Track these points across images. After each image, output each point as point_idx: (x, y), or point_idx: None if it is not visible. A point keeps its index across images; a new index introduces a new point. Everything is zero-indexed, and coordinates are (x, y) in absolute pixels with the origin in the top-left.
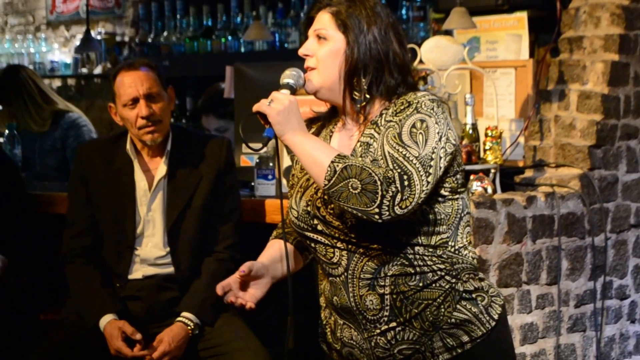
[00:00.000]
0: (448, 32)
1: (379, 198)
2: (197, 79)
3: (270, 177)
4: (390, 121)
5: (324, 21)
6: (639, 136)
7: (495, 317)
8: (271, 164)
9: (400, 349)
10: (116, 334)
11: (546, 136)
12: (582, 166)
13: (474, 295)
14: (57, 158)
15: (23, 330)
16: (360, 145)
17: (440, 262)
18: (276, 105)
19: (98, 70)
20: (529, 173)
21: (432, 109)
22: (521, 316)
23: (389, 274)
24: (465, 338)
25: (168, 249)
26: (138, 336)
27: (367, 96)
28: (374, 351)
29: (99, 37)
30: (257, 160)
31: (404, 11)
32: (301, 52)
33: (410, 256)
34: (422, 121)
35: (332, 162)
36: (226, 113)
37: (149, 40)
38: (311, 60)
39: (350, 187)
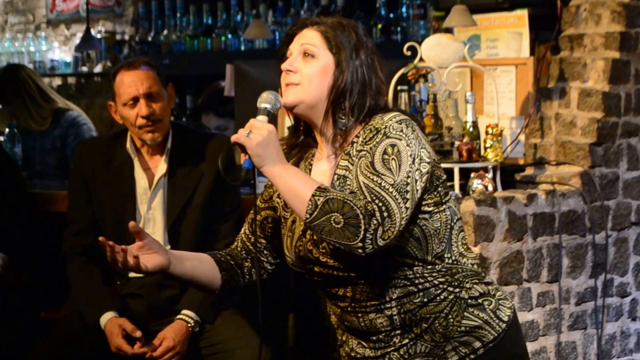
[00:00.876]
0: (448, 30)
1: (362, 232)
2: (198, 77)
3: None
4: (361, 150)
5: (313, 38)
6: (639, 134)
7: (505, 319)
8: None
9: None
10: (116, 332)
11: (547, 134)
12: (583, 164)
13: (480, 301)
14: (57, 156)
15: (24, 328)
16: (338, 179)
17: (440, 275)
18: (255, 137)
19: (98, 68)
20: (529, 171)
21: (401, 130)
22: (522, 314)
23: (393, 297)
24: (478, 344)
25: (169, 246)
26: (138, 334)
27: (351, 118)
28: None
29: (99, 36)
30: None
31: (404, 9)
32: (285, 67)
33: (411, 276)
34: (392, 146)
35: (313, 195)
36: (226, 111)
37: (149, 38)
38: (295, 77)
39: (332, 222)
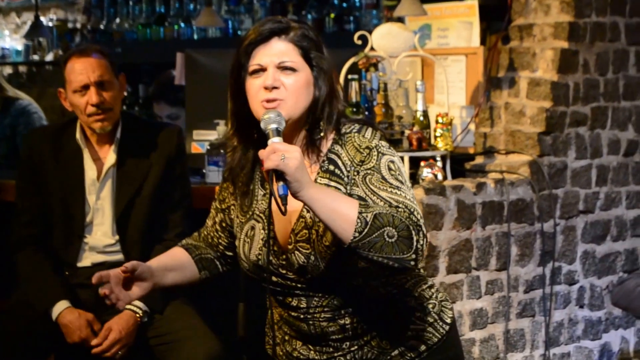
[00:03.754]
0: (399, 19)
1: (415, 243)
2: (150, 66)
3: (221, 163)
4: (361, 170)
5: (290, 51)
6: (587, 123)
7: (448, 321)
8: (222, 151)
9: None
10: (82, 324)
11: (496, 123)
12: (532, 153)
13: (425, 305)
14: (6, 145)
15: None
16: None
17: (391, 287)
18: (291, 162)
19: (50, 57)
20: (479, 160)
21: (389, 148)
22: (471, 302)
23: (347, 309)
24: (423, 347)
25: (117, 237)
26: (97, 326)
27: (328, 127)
28: None
29: (50, 24)
30: (208, 147)
31: None
32: (270, 84)
33: (366, 291)
34: (392, 162)
35: (360, 212)
36: (178, 100)
37: (101, 27)
38: (281, 92)
39: (386, 236)
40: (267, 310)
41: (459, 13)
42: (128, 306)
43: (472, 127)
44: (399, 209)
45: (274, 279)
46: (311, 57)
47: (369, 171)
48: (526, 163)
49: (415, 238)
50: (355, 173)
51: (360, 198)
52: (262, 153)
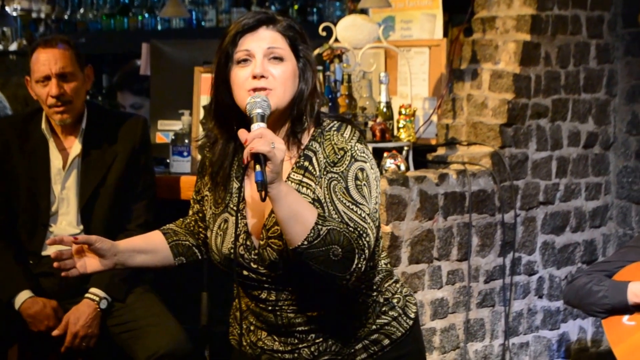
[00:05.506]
0: (363, 11)
1: (354, 266)
2: (114, 57)
3: (185, 153)
4: (330, 172)
5: (278, 40)
6: (548, 115)
7: (412, 316)
8: (186, 141)
9: (323, 359)
10: (50, 314)
11: (459, 115)
12: (493, 144)
13: (390, 299)
14: None
15: None
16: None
17: (359, 282)
18: (279, 152)
19: (13, 47)
20: (441, 151)
21: (364, 152)
22: (432, 292)
23: (316, 302)
24: (387, 341)
25: (82, 226)
26: (61, 314)
27: (310, 120)
28: None
29: (14, 14)
30: (173, 137)
31: None
32: (259, 72)
33: (334, 286)
34: (362, 170)
35: (317, 223)
36: (142, 89)
37: (65, 17)
38: (270, 81)
39: (331, 254)
40: (231, 300)
41: (423, 5)
42: (87, 295)
43: (434, 118)
44: (349, 228)
45: (244, 272)
46: (298, 48)
47: (336, 176)
48: (488, 154)
49: (355, 262)
50: (325, 172)
51: (318, 200)
52: (243, 133)
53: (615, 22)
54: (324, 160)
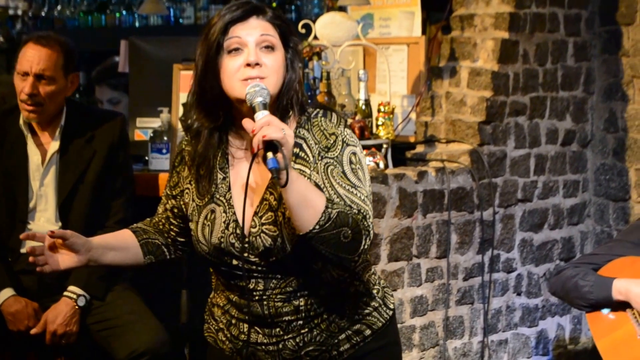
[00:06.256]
0: (342, 9)
1: (362, 247)
2: (91, 54)
3: (164, 151)
4: (325, 157)
5: (269, 30)
6: (527, 113)
7: (391, 306)
8: (165, 138)
9: (308, 350)
10: (31, 314)
11: (437, 112)
12: (472, 142)
13: (370, 290)
14: None
15: None
16: None
17: (344, 271)
18: (290, 137)
19: None
20: (420, 148)
21: (352, 137)
22: (411, 289)
23: (304, 291)
24: (368, 332)
25: (60, 223)
26: (41, 315)
27: (296, 109)
28: (281, 353)
29: None
30: (152, 134)
31: None
32: (254, 60)
33: (323, 274)
34: (354, 154)
35: (327, 207)
36: (119, 84)
37: (43, 13)
38: (263, 70)
39: (342, 236)
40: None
41: (401, 3)
42: (65, 293)
43: (413, 116)
44: (353, 210)
45: (234, 262)
46: (288, 38)
47: (331, 161)
48: (466, 152)
49: (363, 242)
50: (320, 158)
51: (316, 185)
52: (248, 123)
53: (592, 20)
54: (316, 146)
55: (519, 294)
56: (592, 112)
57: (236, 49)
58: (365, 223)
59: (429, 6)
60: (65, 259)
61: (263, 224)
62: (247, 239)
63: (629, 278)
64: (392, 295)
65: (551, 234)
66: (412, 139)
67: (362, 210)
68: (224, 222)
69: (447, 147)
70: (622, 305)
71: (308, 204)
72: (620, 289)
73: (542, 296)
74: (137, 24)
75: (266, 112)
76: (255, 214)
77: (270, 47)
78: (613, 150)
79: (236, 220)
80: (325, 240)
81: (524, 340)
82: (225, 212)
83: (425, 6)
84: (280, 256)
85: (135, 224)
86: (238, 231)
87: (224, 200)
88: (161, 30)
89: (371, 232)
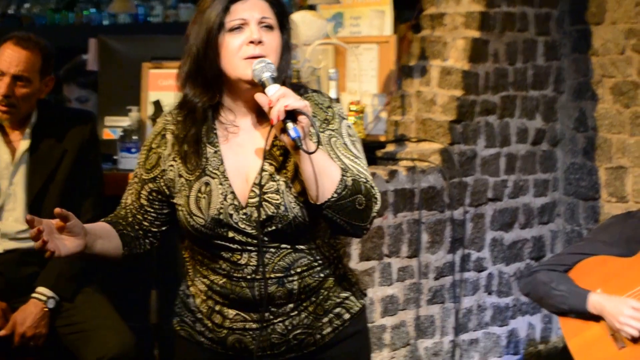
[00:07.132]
0: (312, 7)
1: (372, 213)
2: (59, 51)
3: (133, 150)
4: (326, 129)
5: (266, 9)
6: (497, 112)
7: (365, 292)
8: (134, 137)
9: (296, 334)
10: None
11: (408, 111)
12: (443, 141)
13: (347, 273)
14: None
15: None
16: (278, 149)
17: (332, 249)
18: (309, 107)
19: None
20: (390, 147)
21: (342, 109)
22: (382, 289)
23: (297, 270)
24: (347, 315)
25: None
26: (9, 315)
27: (288, 87)
28: (269, 337)
29: None
30: (121, 134)
31: None
32: (258, 38)
33: (314, 251)
34: (349, 126)
35: (343, 175)
36: (88, 83)
37: (11, 11)
38: (265, 48)
39: (356, 203)
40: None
41: (372, 2)
42: (33, 294)
43: (383, 115)
44: (362, 179)
45: (230, 234)
46: (284, 20)
47: (333, 133)
48: (437, 151)
49: (373, 209)
50: (322, 130)
51: None
52: (261, 97)
53: (562, 19)
54: (316, 120)
55: (489, 293)
56: (562, 111)
57: (238, 28)
58: (372, 191)
59: (400, 5)
60: (65, 245)
61: (265, 193)
62: (244, 210)
63: (600, 285)
64: (363, 283)
65: (521, 233)
66: (382, 138)
67: (368, 179)
68: (222, 193)
69: (417, 146)
70: (595, 317)
71: (326, 172)
72: (595, 304)
73: (512, 295)
74: (105, 22)
75: (278, 85)
76: (255, 184)
77: (269, 27)
78: (583, 149)
79: (233, 192)
80: (343, 208)
81: (495, 340)
82: (221, 184)
83: (395, 5)
84: (282, 224)
85: (105, 217)
86: (235, 202)
87: (219, 173)
88: (130, 28)
89: (379, 198)
